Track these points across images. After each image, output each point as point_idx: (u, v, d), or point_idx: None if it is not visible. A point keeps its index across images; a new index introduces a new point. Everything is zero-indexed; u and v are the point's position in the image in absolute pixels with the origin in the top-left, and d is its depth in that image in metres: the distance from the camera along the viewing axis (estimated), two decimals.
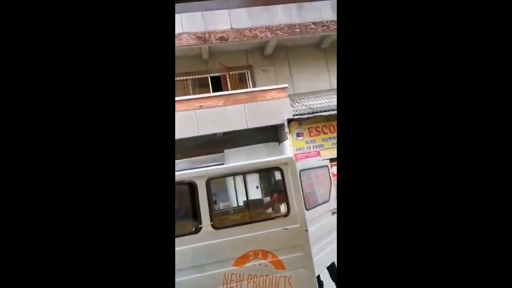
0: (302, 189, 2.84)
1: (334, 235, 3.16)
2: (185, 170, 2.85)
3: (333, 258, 3.13)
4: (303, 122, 8.50)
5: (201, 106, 7.82)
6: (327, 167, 3.61)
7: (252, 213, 2.99)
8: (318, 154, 8.37)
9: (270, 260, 2.46)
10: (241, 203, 3.79)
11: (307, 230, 2.59)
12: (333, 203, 3.42)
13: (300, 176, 2.86)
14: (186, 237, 2.40)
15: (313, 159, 7.28)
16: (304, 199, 2.82)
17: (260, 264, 2.43)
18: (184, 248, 2.28)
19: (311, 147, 8.48)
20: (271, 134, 8.79)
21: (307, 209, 2.83)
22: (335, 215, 3.38)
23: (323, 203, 3.30)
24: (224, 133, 8.06)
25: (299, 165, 3.19)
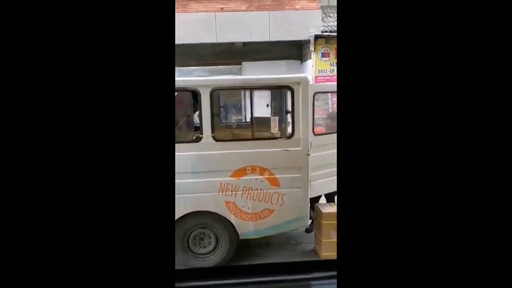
0: (313, 113, 2.69)
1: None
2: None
3: (333, 187, 3.13)
4: (331, 41, 7.68)
5: (222, 8, 7.05)
6: None
7: (255, 130, 2.93)
8: None
9: (266, 176, 2.51)
10: (249, 119, 3.73)
11: (308, 154, 2.55)
12: None
13: (314, 99, 2.68)
14: (187, 144, 2.43)
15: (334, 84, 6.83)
16: (313, 124, 2.71)
17: (256, 179, 2.50)
18: (184, 154, 2.32)
19: (335, 70, 7.89)
20: (294, 51, 8.14)
21: (315, 135, 2.73)
22: None
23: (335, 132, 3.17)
24: (244, 44, 7.50)
25: (316, 87, 2.95)
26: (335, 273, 0.49)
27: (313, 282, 0.61)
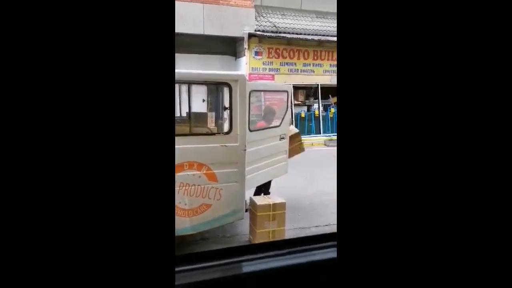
0: (249, 110, 2.80)
1: (273, 159, 3.30)
2: None
3: (264, 180, 3.33)
4: (264, 40, 7.98)
5: None
6: (287, 92, 3.48)
7: (193, 125, 2.90)
8: (272, 78, 8.23)
9: (204, 172, 2.52)
10: (184, 114, 3.65)
11: (245, 150, 2.66)
12: (283, 129, 3.42)
13: (249, 96, 2.78)
14: None
15: (272, 82, 7.13)
16: (248, 120, 2.82)
17: (194, 175, 2.49)
18: None
19: (267, 69, 8.23)
20: (228, 47, 8.18)
21: (250, 131, 2.85)
22: (283, 141, 3.42)
23: (272, 127, 3.34)
24: (177, 34, 7.19)
25: (255, 85, 3.04)
26: (335, 242, 0.54)
27: (316, 252, 0.65)
